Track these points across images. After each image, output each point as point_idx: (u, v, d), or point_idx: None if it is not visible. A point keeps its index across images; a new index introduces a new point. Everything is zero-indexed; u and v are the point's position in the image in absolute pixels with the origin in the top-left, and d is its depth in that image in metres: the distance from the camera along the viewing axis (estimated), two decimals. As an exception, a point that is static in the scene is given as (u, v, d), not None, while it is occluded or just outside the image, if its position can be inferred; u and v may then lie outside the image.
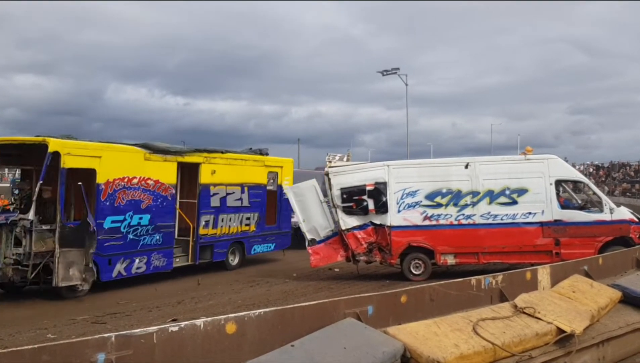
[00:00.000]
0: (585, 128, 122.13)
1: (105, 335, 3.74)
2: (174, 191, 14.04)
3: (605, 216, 13.37)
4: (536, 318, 5.45)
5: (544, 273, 7.35)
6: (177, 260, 14.53)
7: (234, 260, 16.26)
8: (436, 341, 4.65)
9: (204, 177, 14.86)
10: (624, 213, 13.54)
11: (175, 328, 4.03)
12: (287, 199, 15.09)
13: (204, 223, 14.86)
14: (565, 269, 7.64)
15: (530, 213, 13.48)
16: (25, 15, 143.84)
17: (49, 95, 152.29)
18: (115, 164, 12.53)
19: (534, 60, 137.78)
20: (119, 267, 12.76)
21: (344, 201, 13.89)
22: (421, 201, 13.85)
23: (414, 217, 13.85)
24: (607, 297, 6.53)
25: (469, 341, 4.78)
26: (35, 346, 3.50)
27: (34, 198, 11.19)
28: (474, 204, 13.66)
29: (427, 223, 13.84)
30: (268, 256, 18.19)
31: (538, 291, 6.60)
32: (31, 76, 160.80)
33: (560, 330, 5.37)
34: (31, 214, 10.99)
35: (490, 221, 13.62)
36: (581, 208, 14.12)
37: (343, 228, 13.91)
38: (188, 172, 14.80)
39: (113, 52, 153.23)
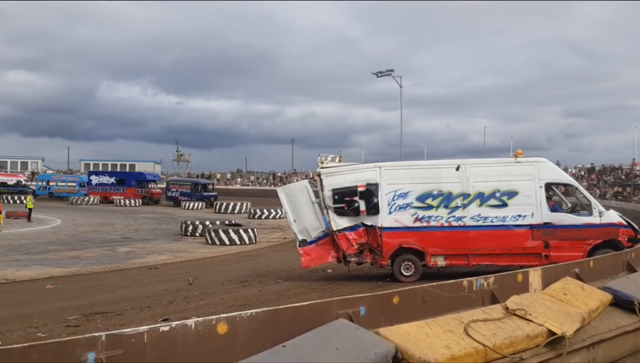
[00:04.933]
0: (578, 131, 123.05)
1: (96, 334, 3.71)
2: None
3: (594, 219, 13.44)
4: (527, 320, 5.46)
5: (535, 276, 7.38)
6: None
7: None
8: (428, 342, 4.66)
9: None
10: (612, 217, 13.60)
11: (166, 328, 4.00)
12: None
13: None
14: (557, 271, 7.67)
15: (520, 216, 13.53)
16: (16, 11, 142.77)
17: (40, 92, 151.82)
18: None
19: (528, 62, 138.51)
20: None
21: (335, 202, 13.88)
22: (412, 203, 13.86)
23: (405, 218, 13.87)
24: (597, 300, 6.55)
25: (461, 342, 4.79)
26: (25, 345, 3.47)
27: None
28: (464, 206, 13.70)
29: (417, 224, 13.86)
30: (260, 257, 18.15)
31: (529, 294, 6.61)
32: (23, 73, 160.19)
33: (551, 332, 5.39)
34: None
35: (480, 223, 13.66)
36: (570, 211, 14.18)
37: (334, 229, 13.90)
38: None
39: (106, 49, 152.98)
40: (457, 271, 13.78)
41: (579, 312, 6.01)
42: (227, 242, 22.75)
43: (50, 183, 60.94)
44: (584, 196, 14.19)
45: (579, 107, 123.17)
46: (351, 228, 13.95)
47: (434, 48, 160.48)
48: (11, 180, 64.48)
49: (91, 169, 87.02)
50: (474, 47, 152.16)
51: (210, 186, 58.16)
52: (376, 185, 13.89)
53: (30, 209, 33.17)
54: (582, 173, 52.70)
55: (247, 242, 23.03)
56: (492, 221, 13.60)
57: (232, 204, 44.50)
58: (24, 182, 64.91)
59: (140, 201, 53.26)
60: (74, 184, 60.37)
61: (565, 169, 42.67)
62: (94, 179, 57.77)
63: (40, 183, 61.44)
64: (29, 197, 34.97)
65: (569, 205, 14.88)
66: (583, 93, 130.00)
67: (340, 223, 13.92)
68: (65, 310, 10.77)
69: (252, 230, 23.98)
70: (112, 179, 57.35)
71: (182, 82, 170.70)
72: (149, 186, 56.35)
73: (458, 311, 5.68)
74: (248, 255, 20.27)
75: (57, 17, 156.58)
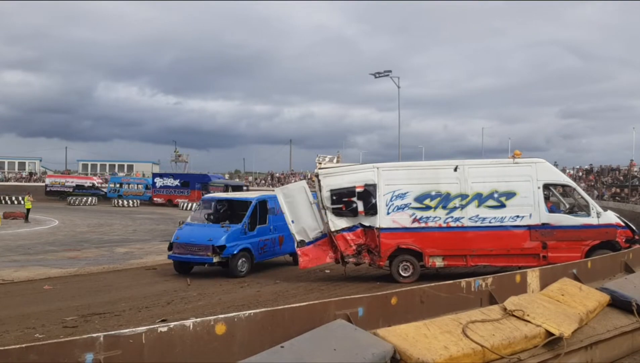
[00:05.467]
0: (576, 132, 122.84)
1: (94, 335, 3.71)
2: None
3: (592, 220, 13.46)
4: (525, 320, 5.47)
5: (533, 276, 7.39)
6: None
7: None
8: (426, 343, 4.66)
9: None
10: (610, 217, 13.63)
11: (165, 329, 4.00)
12: None
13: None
14: (555, 272, 7.68)
15: (518, 216, 13.54)
16: (13, 11, 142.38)
17: (37, 92, 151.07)
18: None
19: (526, 63, 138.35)
20: None
21: (333, 202, 13.86)
22: (410, 204, 13.86)
23: (403, 219, 13.86)
24: (595, 301, 6.57)
25: (459, 343, 4.79)
26: (23, 345, 3.46)
27: None
28: (462, 207, 13.70)
29: (416, 225, 13.85)
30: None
31: (527, 294, 6.62)
32: (20, 73, 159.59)
33: (549, 333, 5.40)
34: None
35: (478, 224, 13.66)
36: (568, 211, 14.21)
37: (332, 229, 13.88)
38: None
39: (103, 49, 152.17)
40: (455, 272, 13.78)
41: (577, 313, 6.02)
42: (225, 243, 22.63)
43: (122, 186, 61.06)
44: (582, 197, 14.20)
45: (576, 108, 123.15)
46: (349, 229, 13.94)
47: (432, 49, 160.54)
48: (86, 183, 65.02)
49: (89, 169, 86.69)
50: (471, 48, 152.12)
51: (245, 188, 57.22)
52: (374, 186, 13.88)
53: (28, 210, 33.17)
54: (580, 173, 52.75)
55: (245, 243, 22.91)
56: (490, 222, 13.61)
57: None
58: (97, 184, 65.15)
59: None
60: (142, 186, 60.18)
61: (563, 170, 42.72)
62: (158, 182, 56.96)
63: (111, 185, 61.54)
64: (27, 197, 34.93)
65: (567, 206, 14.91)
66: (580, 94, 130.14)
67: (338, 223, 13.91)
68: (63, 311, 10.75)
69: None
70: (177, 182, 56.54)
71: (180, 83, 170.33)
72: None
73: (456, 312, 5.69)
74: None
75: (55, 17, 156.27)
